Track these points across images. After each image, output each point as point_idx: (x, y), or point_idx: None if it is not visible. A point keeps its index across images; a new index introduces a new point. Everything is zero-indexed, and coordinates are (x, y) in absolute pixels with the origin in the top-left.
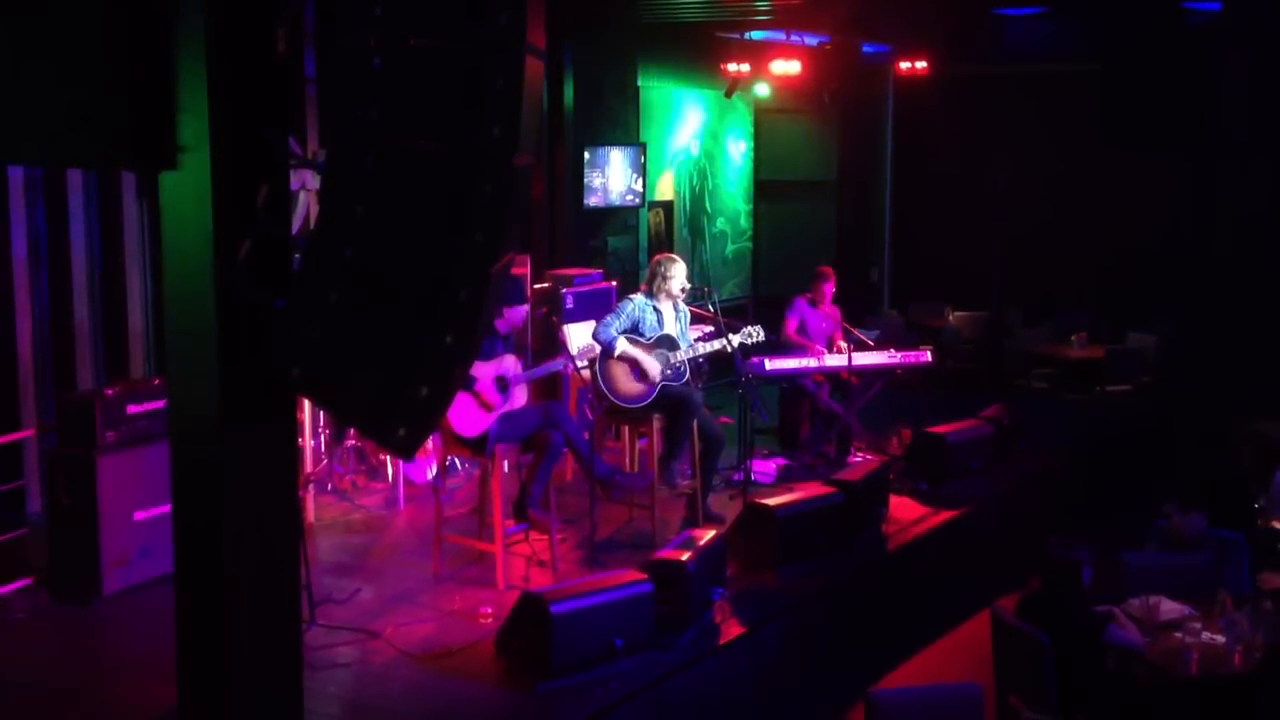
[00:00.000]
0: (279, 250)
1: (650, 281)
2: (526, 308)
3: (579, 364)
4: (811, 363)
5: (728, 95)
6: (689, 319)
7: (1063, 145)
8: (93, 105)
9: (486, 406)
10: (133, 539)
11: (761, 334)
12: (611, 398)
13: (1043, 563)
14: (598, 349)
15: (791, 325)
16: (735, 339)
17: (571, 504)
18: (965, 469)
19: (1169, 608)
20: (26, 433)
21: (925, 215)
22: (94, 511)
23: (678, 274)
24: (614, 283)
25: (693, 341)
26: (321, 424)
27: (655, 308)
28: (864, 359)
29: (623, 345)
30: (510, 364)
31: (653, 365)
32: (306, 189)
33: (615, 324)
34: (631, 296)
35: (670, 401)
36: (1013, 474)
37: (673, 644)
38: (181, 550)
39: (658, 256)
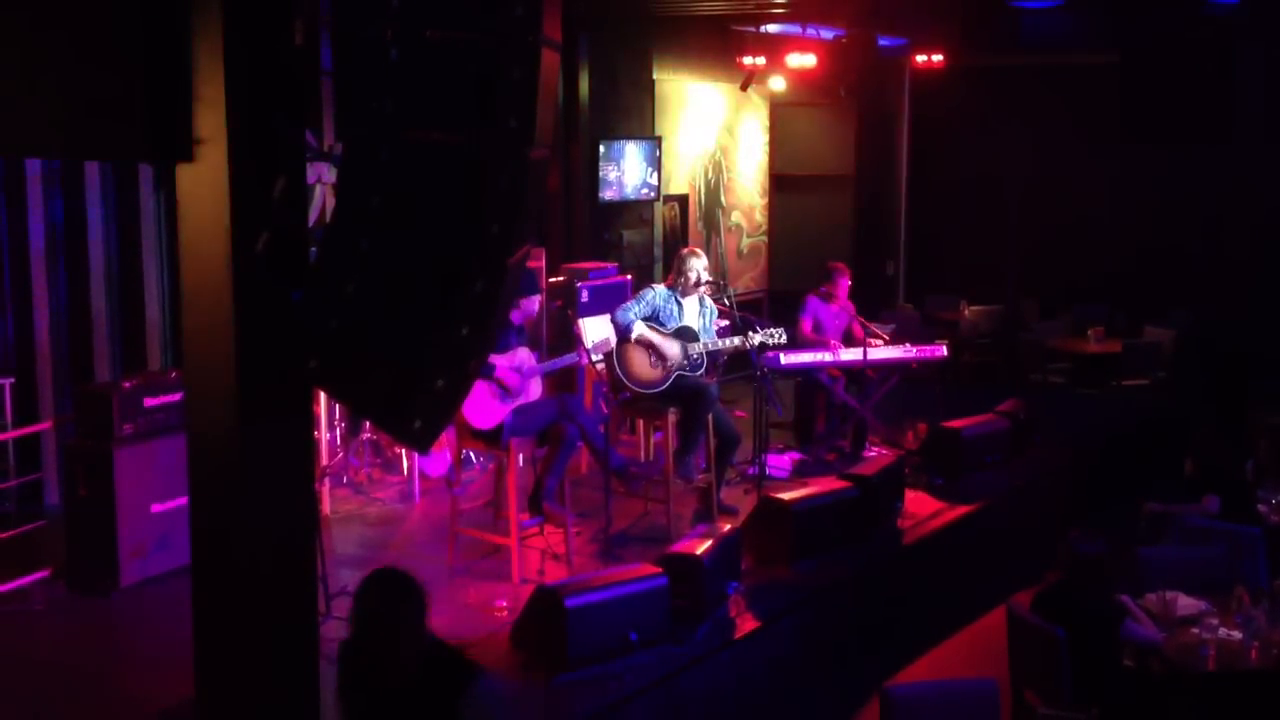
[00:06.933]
0: (295, 243)
1: (672, 274)
2: (540, 297)
3: (594, 357)
4: (827, 357)
5: (743, 88)
6: (715, 315)
7: (1079, 139)
8: (109, 98)
9: (506, 390)
10: (150, 531)
11: (784, 337)
12: (627, 382)
13: (1065, 557)
14: (613, 343)
15: (806, 325)
16: (756, 338)
17: (586, 497)
18: (980, 463)
19: (1185, 603)
20: (44, 425)
21: (941, 209)
22: (111, 503)
23: (695, 267)
24: (629, 276)
25: (715, 336)
26: (338, 417)
27: (677, 300)
28: (879, 353)
29: (641, 329)
30: (524, 356)
31: (671, 348)
32: (322, 182)
33: (635, 309)
34: (654, 286)
35: (685, 392)
36: (1028, 468)
37: (687, 638)
38: (198, 542)
39: (680, 250)
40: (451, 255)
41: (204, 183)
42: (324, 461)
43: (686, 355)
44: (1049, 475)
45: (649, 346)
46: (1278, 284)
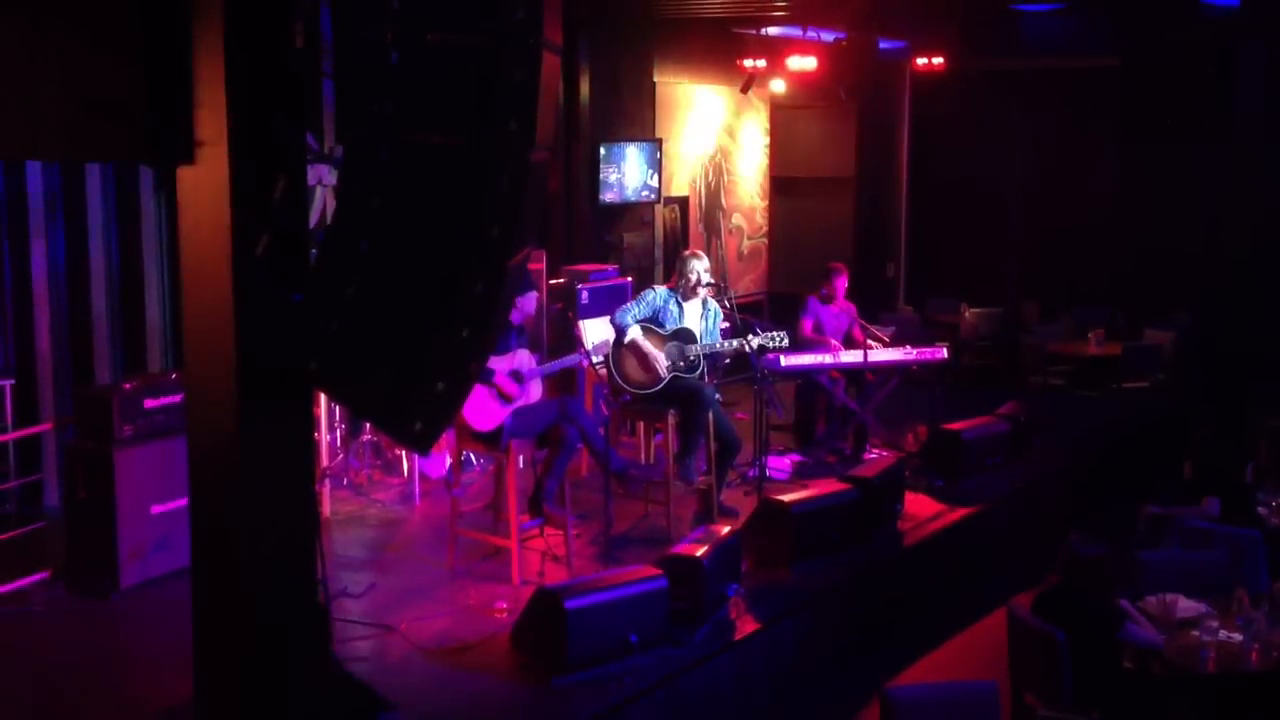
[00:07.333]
0: (296, 245)
1: (675, 276)
2: (536, 294)
3: (595, 359)
4: (827, 359)
5: (744, 91)
6: (719, 317)
7: (1080, 141)
8: (110, 100)
9: (505, 398)
10: (150, 532)
11: (786, 340)
12: (622, 383)
13: (1066, 560)
14: (613, 340)
15: (807, 326)
16: (756, 341)
17: (586, 499)
18: (981, 466)
19: (1186, 606)
20: (44, 426)
21: (941, 211)
22: (111, 505)
23: (696, 268)
24: (629, 278)
25: (718, 339)
26: (338, 418)
27: (678, 301)
28: (880, 355)
29: (635, 333)
30: (524, 358)
31: (660, 360)
32: (323, 184)
33: (634, 310)
34: (654, 287)
35: (682, 394)
36: (1028, 471)
37: (687, 640)
38: (198, 544)
39: (681, 252)
40: (452, 257)
41: (204, 185)
42: (324, 463)
43: (683, 357)
44: (1049, 478)
45: (641, 353)
46: (1278, 285)
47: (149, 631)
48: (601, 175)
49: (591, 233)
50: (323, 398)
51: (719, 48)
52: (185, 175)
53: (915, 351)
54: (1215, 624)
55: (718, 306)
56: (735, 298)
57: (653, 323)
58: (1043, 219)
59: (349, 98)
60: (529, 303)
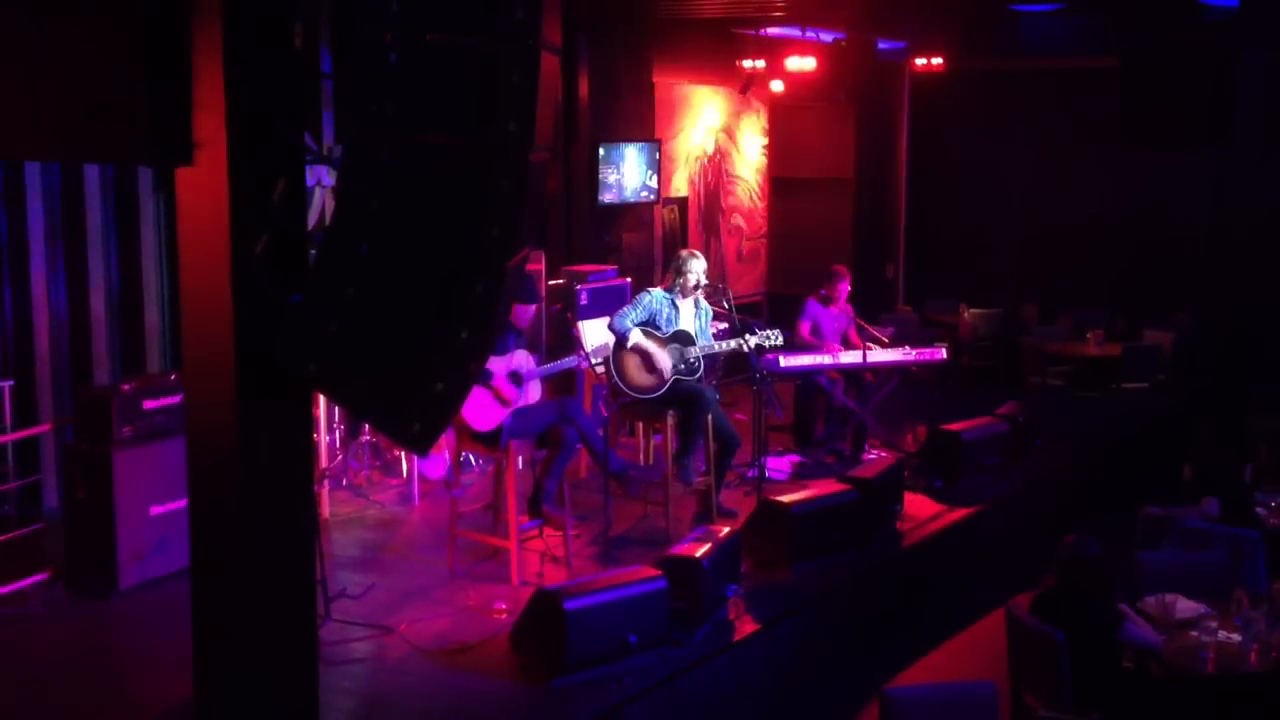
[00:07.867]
0: (295, 245)
1: (670, 276)
2: (536, 306)
3: (593, 361)
4: (826, 359)
5: (743, 91)
6: (711, 316)
7: (1079, 142)
8: (109, 101)
9: (502, 401)
10: (149, 534)
11: (781, 339)
12: (624, 388)
13: (1065, 560)
14: (612, 344)
15: (804, 329)
16: (753, 340)
17: (585, 500)
18: (980, 466)
19: (1185, 606)
20: (43, 428)
21: (941, 212)
22: (110, 506)
23: (695, 269)
24: (628, 279)
25: (712, 339)
26: (337, 419)
27: (674, 303)
28: (879, 356)
29: (637, 337)
30: (523, 359)
31: (665, 360)
32: (322, 185)
33: (631, 315)
34: (649, 289)
35: (682, 396)
36: (1028, 471)
37: (687, 640)
38: (197, 545)
39: (679, 252)
40: (451, 258)
41: (204, 185)
42: (323, 464)
43: (684, 359)
44: (1048, 478)
45: (644, 354)
46: (1278, 286)
47: (148, 632)
48: (600, 176)
49: (590, 233)
50: (322, 398)
51: (718, 48)
52: (185, 176)
53: (914, 352)
54: (1214, 624)
55: (709, 306)
56: (734, 298)
57: (650, 325)
58: (1043, 219)
59: (349, 98)
60: (527, 311)
